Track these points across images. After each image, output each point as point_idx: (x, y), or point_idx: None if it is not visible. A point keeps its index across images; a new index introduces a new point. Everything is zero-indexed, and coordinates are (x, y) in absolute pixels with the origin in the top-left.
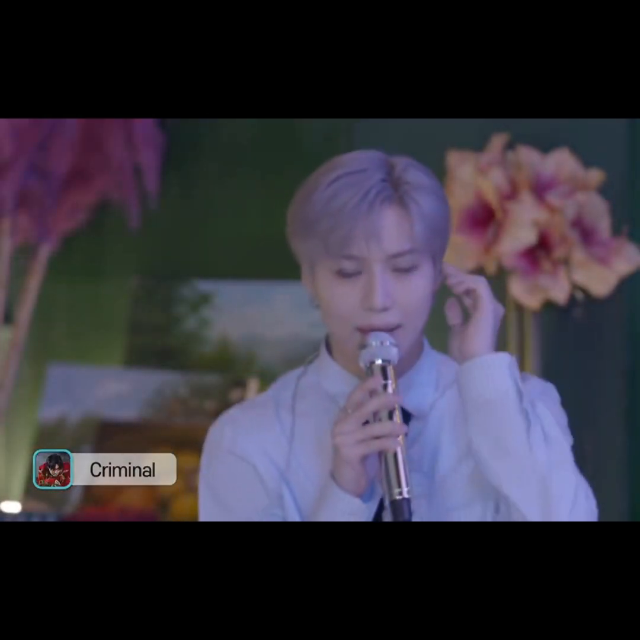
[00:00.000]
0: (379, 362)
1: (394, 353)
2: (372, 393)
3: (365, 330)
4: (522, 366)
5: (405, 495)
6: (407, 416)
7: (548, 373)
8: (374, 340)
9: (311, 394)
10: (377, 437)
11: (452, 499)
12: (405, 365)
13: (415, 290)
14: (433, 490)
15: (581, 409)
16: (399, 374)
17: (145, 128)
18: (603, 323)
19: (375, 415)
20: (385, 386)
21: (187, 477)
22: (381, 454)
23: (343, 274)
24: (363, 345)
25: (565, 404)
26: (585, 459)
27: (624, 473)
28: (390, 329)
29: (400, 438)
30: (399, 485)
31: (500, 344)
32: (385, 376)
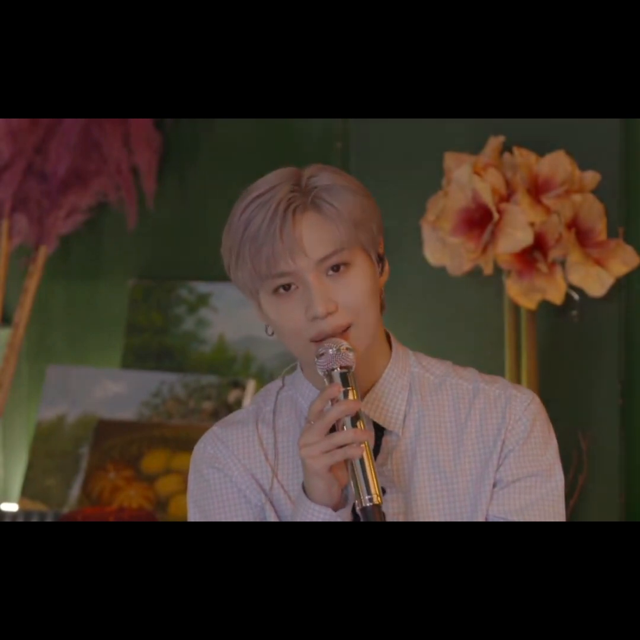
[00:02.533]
0: (336, 369)
1: (350, 358)
2: (333, 401)
3: (317, 340)
4: (518, 367)
5: (376, 501)
6: (379, 430)
7: (544, 374)
8: (329, 348)
9: (289, 409)
10: (342, 446)
11: (429, 517)
12: (371, 373)
13: (354, 287)
14: (409, 506)
15: (577, 409)
16: (368, 384)
17: (142, 129)
18: (599, 324)
19: (339, 423)
20: (345, 393)
21: (185, 478)
22: (348, 462)
23: (280, 292)
24: (319, 354)
25: (562, 404)
26: (581, 458)
27: (619, 473)
28: (342, 331)
29: (365, 444)
30: (368, 492)
31: (497, 345)
32: (344, 383)
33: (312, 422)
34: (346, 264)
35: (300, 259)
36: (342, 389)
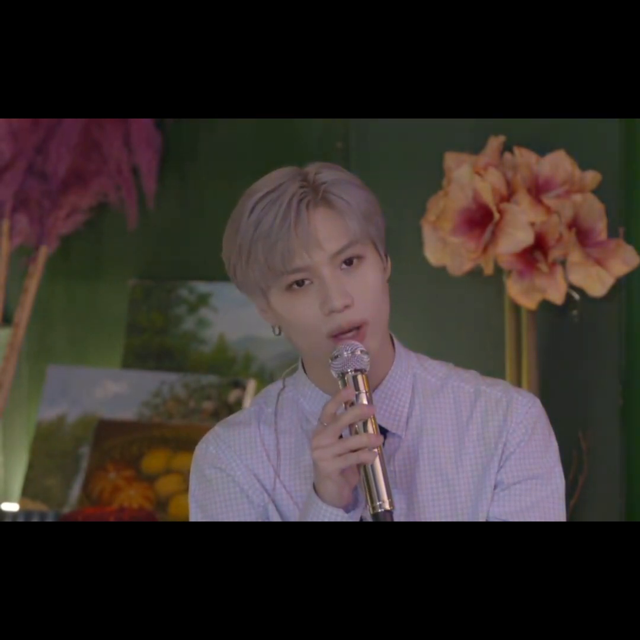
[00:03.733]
0: (351, 372)
1: (365, 361)
2: (346, 404)
3: (334, 336)
4: (518, 366)
5: (387, 507)
6: (382, 431)
7: (544, 374)
8: (344, 350)
9: (291, 410)
10: (354, 450)
11: (430, 518)
12: (378, 372)
13: (368, 280)
14: (411, 507)
15: (577, 408)
16: (373, 385)
17: (143, 129)
18: (599, 323)
19: (351, 427)
20: (358, 396)
21: (185, 478)
22: (360, 466)
23: (295, 288)
24: (334, 356)
25: (562, 404)
26: (581, 458)
27: (619, 473)
28: (358, 327)
29: (377, 449)
30: (379, 498)
31: (497, 345)
32: (357, 386)
33: (325, 425)
34: (359, 258)
35: (316, 253)
36: (355, 392)
